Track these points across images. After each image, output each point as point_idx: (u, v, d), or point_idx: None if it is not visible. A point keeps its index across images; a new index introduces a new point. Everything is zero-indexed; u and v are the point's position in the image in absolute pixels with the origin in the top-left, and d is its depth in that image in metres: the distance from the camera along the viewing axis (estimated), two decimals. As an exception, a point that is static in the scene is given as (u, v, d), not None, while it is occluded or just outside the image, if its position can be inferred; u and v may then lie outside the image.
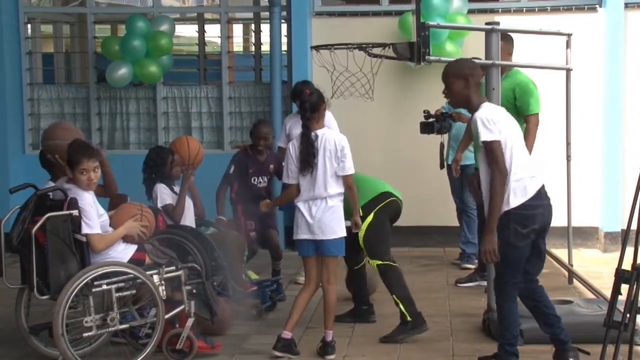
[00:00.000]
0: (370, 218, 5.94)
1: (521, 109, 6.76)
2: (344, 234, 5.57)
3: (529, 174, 4.96)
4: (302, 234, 5.55)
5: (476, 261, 7.83)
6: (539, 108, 6.82)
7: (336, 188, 5.51)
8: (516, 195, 4.88)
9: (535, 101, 6.79)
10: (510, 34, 6.91)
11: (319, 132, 5.53)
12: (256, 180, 7.19)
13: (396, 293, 5.93)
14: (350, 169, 5.52)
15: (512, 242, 4.88)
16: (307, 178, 5.50)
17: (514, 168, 4.89)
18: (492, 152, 4.86)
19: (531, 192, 4.90)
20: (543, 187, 5.00)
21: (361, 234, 5.90)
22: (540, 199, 4.95)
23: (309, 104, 5.51)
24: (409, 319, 5.88)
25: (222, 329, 6.04)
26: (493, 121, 4.88)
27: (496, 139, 4.86)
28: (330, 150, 5.48)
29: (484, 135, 4.87)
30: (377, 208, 6.01)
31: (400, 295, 5.92)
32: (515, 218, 4.87)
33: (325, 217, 5.49)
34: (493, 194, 4.85)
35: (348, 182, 5.54)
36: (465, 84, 5.04)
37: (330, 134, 5.57)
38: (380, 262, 5.96)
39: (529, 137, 6.83)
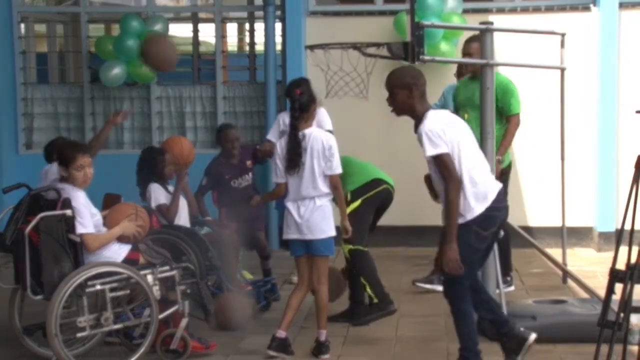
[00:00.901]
0: (356, 204, 6.02)
1: (503, 110, 6.74)
2: (333, 233, 5.56)
3: (488, 179, 4.93)
4: (291, 234, 5.55)
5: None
6: (520, 108, 6.83)
7: (324, 187, 5.51)
8: (478, 201, 4.82)
9: (516, 101, 6.79)
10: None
11: (307, 131, 5.52)
12: (236, 182, 7.12)
13: (364, 275, 6.05)
14: (337, 168, 5.52)
15: (474, 244, 4.84)
16: (295, 178, 5.49)
17: (467, 175, 4.82)
18: (442, 163, 4.78)
19: (491, 197, 4.86)
20: (501, 190, 4.96)
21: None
22: (500, 202, 4.91)
23: (299, 104, 5.53)
24: (375, 300, 6.00)
25: (242, 323, 6.11)
26: (437, 134, 4.79)
27: (443, 152, 4.78)
28: (317, 150, 5.47)
29: (430, 150, 4.78)
30: (366, 196, 6.14)
31: (367, 278, 6.04)
32: (478, 221, 4.82)
33: (314, 217, 5.48)
34: (449, 204, 4.78)
35: (334, 182, 5.53)
36: (409, 94, 4.94)
37: (318, 133, 5.57)
38: (352, 247, 6.03)
39: (507, 137, 6.83)
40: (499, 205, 4.90)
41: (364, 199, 6.13)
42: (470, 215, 4.81)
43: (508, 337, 5.09)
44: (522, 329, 5.09)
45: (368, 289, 6.04)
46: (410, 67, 5.25)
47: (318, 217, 5.49)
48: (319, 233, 5.49)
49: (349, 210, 5.91)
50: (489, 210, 4.84)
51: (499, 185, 4.97)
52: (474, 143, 5.01)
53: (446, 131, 4.82)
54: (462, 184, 4.79)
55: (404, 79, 4.99)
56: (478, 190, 4.83)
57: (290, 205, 5.54)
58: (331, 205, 5.60)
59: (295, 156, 5.46)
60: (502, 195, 4.96)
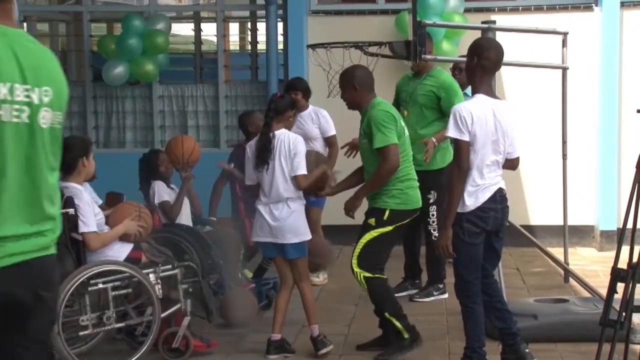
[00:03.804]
0: (388, 229, 5.47)
1: (447, 109, 6.52)
2: (308, 237, 5.54)
3: (489, 182, 4.90)
4: (263, 237, 5.53)
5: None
6: None
7: (295, 191, 5.49)
8: (470, 198, 4.86)
9: (460, 101, 6.65)
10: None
11: (277, 132, 5.51)
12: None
13: (388, 310, 5.54)
14: (298, 169, 5.42)
15: (467, 240, 4.87)
16: (265, 179, 5.47)
17: (473, 171, 4.85)
18: (457, 149, 4.85)
19: (482, 199, 4.87)
20: (499, 191, 4.93)
21: (367, 237, 5.47)
22: (494, 203, 4.91)
23: (274, 105, 5.53)
24: (406, 335, 5.53)
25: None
26: (465, 121, 4.78)
27: (463, 139, 4.80)
28: (284, 151, 5.45)
29: (451, 132, 4.83)
30: (401, 223, 5.53)
31: (392, 312, 5.54)
32: (468, 218, 4.86)
33: (289, 221, 5.45)
34: (450, 190, 4.88)
35: (300, 184, 5.46)
36: (473, 62, 4.89)
37: (286, 136, 5.51)
38: (369, 275, 5.47)
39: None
40: (492, 206, 4.90)
41: (397, 226, 5.49)
42: (460, 209, 4.87)
43: (511, 351, 5.12)
44: (527, 350, 5.09)
45: (397, 324, 5.50)
46: (494, 40, 5.30)
47: (292, 222, 5.47)
48: (292, 237, 5.47)
49: (377, 231, 5.44)
50: (480, 209, 4.87)
51: (495, 189, 4.93)
52: (498, 144, 4.91)
53: (475, 122, 4.81)
54: (468, 178, 4.82)
55: (476, 42, 5.08)
56: (473, 189, 4.86)
57: (262, 208, 5.51)
58: (304, 210, 5.59)
59: (264, 153, 5.45)
60: (500, 197, 4.95)
